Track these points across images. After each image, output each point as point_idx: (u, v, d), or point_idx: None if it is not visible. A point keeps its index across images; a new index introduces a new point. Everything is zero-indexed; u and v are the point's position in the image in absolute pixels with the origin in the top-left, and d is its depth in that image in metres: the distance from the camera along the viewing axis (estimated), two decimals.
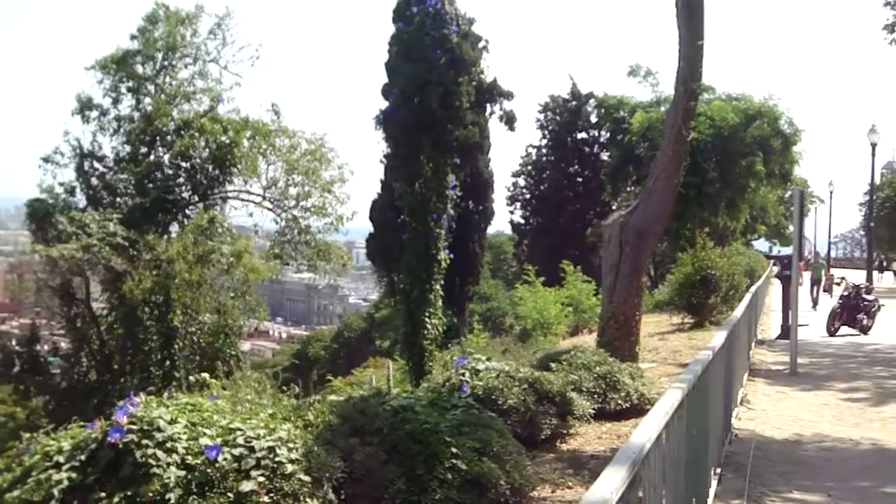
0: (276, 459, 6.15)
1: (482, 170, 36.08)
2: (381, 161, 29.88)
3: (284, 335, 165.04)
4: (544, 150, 58.60)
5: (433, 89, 23.66)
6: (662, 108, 31.66)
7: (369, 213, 33.08)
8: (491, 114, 27.27)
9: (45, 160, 26.66)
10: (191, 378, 10.02)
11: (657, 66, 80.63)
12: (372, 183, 34.52)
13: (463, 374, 9.37)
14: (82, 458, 6.32)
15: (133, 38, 27.11)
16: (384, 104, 24.69)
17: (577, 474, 7.90)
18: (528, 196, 58.85)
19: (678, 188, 13.95)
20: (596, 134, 55.01)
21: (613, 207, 35.91)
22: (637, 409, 10.47)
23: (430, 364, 21.40)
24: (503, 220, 61.59)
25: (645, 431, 3.79)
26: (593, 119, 48.33)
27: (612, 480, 3.07)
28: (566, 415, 9.55)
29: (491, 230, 46.32)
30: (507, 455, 7.25)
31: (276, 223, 27.52)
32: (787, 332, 21.30)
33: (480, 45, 25.82)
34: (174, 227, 26.32)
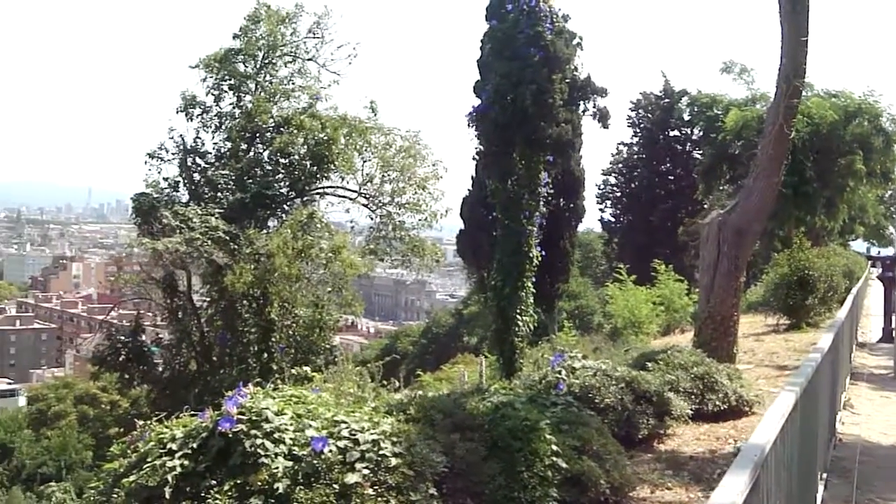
0: (381, 453, 6.28)
1: (574, 167, 35.87)
2: (473, 158, 29.99)
3: (372, 330, 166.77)
4: (636, 148, 58.09)
5: (526, 87, 23.62)
6: (758, 106, 31.02)
7: (460, 210, 33.21)
8: (584, 111, 27.15)
9: (151, 156, 27.48)
10: (292, 371, 10.25)
11: (752, 62, 79.01)
12: (463, 180, 34.66)
13: (559, 372, 9.40)
14: (194, 446, 6.57)
15: (235, 37, 27.77)
16: (477, 101, 24.76)
17: (677, 475, 7.87)
18: (618, 194, 58.39)
19: (778, 187, 13.73)
20: (688, 132, 54.25)
21: (706, 206, 35.34)
22: (735, 411, 10.36)
23: (521, 361, 21.42)
24: (593, 217, 61.04)
25: (763, 434, 3.77)
26: (686, 117, 47.66)
27: (736, 484, 3.07)
28: (664, 415, 9.51)
29: (581, 228, 46.02)
30: (606, 454, 7.27)
31: (371, 219, 27.83)
32: (889, 335, 20.71)
33: (574, 42, 25.69)
34: (272, 222, 26.82)
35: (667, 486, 7.69)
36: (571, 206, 37.62)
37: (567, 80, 25.07)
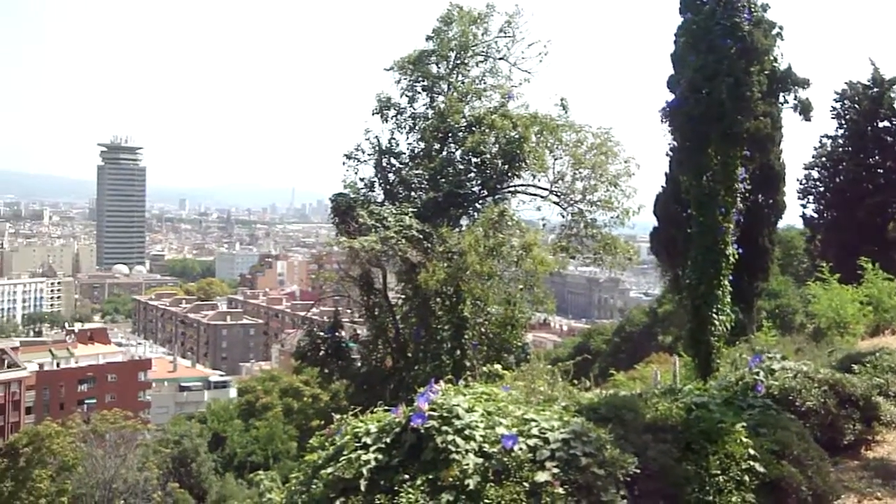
0: (571, 452, 6.25)
1: (773, 162, 34.46)
2: (667, 154, 29.31)
3: (565, 328, 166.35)
4: (841, 141, 55.12)
5: (722, 80, 22.81)
6: None
7: (653, 207, 32.54)
8: (784, 103, 26.06)
9: (348, 157, 28.37)
10: (484, 368, 10.32)
11: None
12: (656, 176, 33.96)
13: (757, 374, 9.10)
14: (387, 440, 6.75)
15: (428, 38, 28.26)
16: (670, 97, 24.17)
17: (887, 484, 7.45)
18: (821, 189, 55.57)
19: None
20: None
21: None
22: None
23: (718, 361, 20.77)
24: (794, 214, 58.44)
25: None
26: None
27: None
28: (871, 420, 9.04)
29: (781, 224, 44.16)
30: (808, 459, 6.97)
31: (562, 217, 27.66)
32: None
33: (774, 31, 24.69)
34: (464, 221, 27.12)
35: (875, 496, 7.29)
36: (771, 201, 36.17)
37: (766, 72, 24.05)
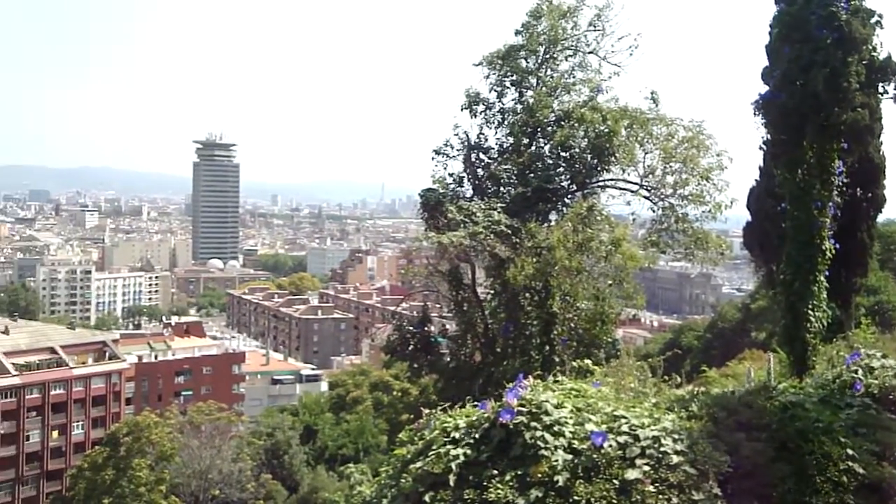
0: (661, 449, 6.18)
1: (872, 154, 33.42)
2: (760, 148, 28.63)
3: (656, 323, 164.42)
4: None
5: (818, 71, 22.23)
6: None
7: (746, 202, 31.89)
8: (884, 94, 25.19)
9: (437, 153, 28.43)
10: (573, 363, 10.26)
11: None
12: (749, 170, 33.29)
13: (855, 371, 8.85)
14: (476, 436, 6.77)
15: (517, 33, 28.14)
16: (764, 88, 23.63)
17: None
18: None
19: None
20: None
21: None
22: None
23: (814, 359, 20.29)
24: (895, 208, 56.69)
25: None
26: None
27: None
28: None
29: (881, 219, 42.85)
30: None
31: (653, 211, 27.29)
32: None
33: (873, 20, 23.88)
34: (553, 216, 26.96)
35: None
36: (870, 195, 35.07)
37: (864, 62, 23.40)
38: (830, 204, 23.88)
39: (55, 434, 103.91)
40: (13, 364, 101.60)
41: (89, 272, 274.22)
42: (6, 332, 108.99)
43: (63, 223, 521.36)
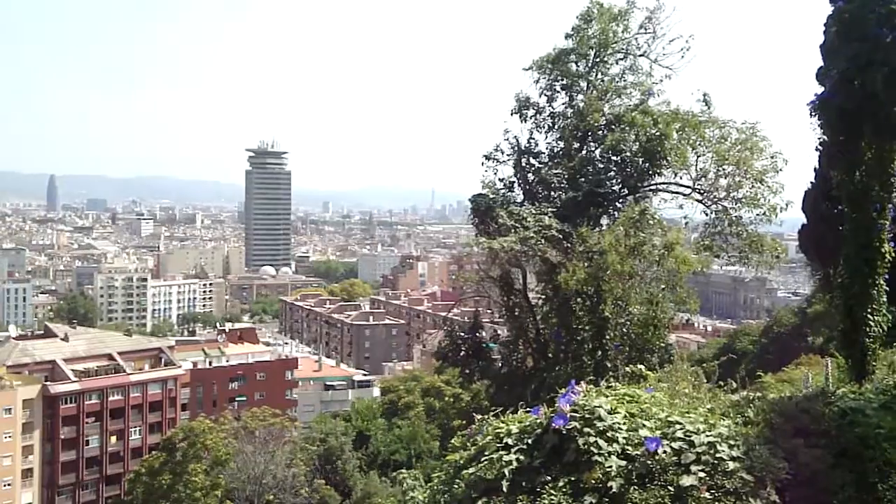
0: (717, 455, 6.10)
1: None
2: (816, 149, 28.17)
3: (710, 328, 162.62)
4: None
5: (877, 70, 21.83)
6: None
7: (802, 204, 31.38)
8: None
9: (487, 157, 28.42)
10: (626, 368, 10.17)
11: None
12: (805, 172, 32.79)
13: None
14: (529, 441, 6.74)
15: (567, 37, 28.02)
16: (820, 89, 23.26)
17: None
18: None
19: None
20: None
21: None
22: None
23: (873, 364, 19.93)
24: None
25: None
26: None
27: None
28: None
29: None
30: None
31: (706, 215, 26.99)
32: None
33: None
34: (604, 220, 26.78)
35: None
36: None
37: None
38: (889, 206, 23.46)
39: (113, 439, 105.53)
40: (73, 370, 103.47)
41: (145, 280, 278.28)
42: (66, 338, 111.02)
43: (119, 231, 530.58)
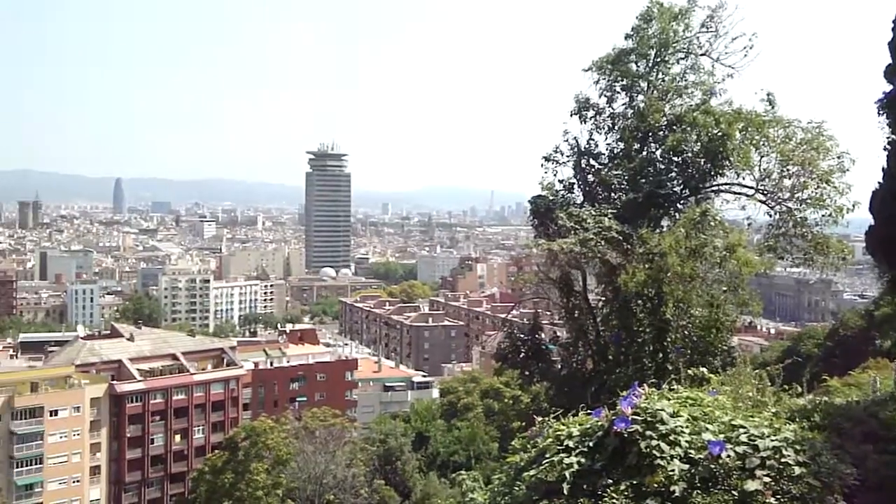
0: (783, 460, 6.01)
1: None
2: (885, 149, 27.62)
3: (772, 331, 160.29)
4: None
5: None
6: None
7: (869, 204, 30.75)
8: None
9: (546, 159, 28.28)
10: (688, 371, 10.08)
11: None
12: (873, 172, 32.15)
13: None
14: (590, 444, 6.70)
15: (627, 37, 27.77)
16: (888, 87, 22.79)
17: None
18: None
19: None
20: None
21: None
22: None
23: None
24: None
25: None
26: None
27: None
28: None
29: None
30: None
31: (769, 216, 26.59)
32: None
33: None
34: (665, 222, 26.52)
35: None
36: None
37: None
38: None
39: (177, 438, 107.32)
40: (138, 370, 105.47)
41: (208, 281, 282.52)
42: (132, 338, 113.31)
43: (183, 233, 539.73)
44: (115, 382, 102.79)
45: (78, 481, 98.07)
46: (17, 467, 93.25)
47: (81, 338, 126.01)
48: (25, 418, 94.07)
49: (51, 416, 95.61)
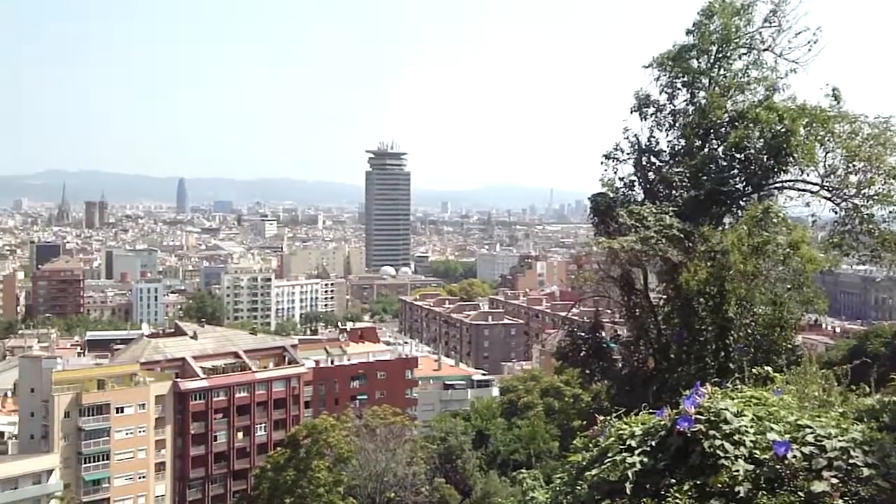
0: (850, 461, 5.93)
1: None
2: None
3: (838, 329, 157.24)
4: None
5: None
6: None
7: None
8: None
9: (607, 157, 28.10)
10: (752, 370, 9.98)
11: None
12: None
13: None
14: (653, 443, 6.68)
15: (688, 33, 27.48)
16: None
17: None
18: None
19: None
20: None
21: None
22: None
23: None
24: None
25: None
26: None
27: None
28: None
29: None
30: None
31: (835, 212, 26.15)
32: None
33: None
34: (727, 219, 26.23)
35: None
36: None
37: None
38: None
39: (240, 435, 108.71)
40: (202, 368, 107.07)
41: (269, 279, 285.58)
42: (195, 336, 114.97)
43: (244, 232, 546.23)
44: (179, 380, 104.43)
45: (143, 477, 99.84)
46: (85, 463, 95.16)
47: (146, 336, 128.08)
48: (93, 415, 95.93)
49: (117, 413, 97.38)
